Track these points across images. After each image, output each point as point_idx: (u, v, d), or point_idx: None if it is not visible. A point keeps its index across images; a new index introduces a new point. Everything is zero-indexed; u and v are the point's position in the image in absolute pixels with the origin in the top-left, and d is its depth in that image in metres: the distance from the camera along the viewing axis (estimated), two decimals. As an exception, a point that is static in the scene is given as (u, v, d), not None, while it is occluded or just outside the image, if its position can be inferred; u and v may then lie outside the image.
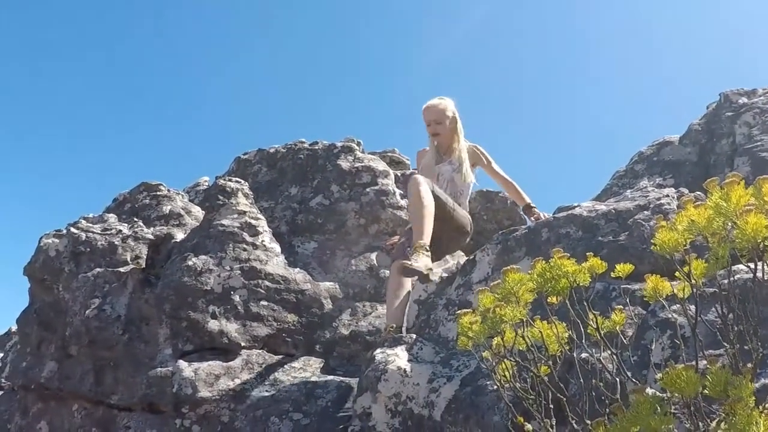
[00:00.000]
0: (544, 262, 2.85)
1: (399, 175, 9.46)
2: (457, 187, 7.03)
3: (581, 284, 2.80)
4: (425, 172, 7.09)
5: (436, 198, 6.27)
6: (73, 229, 8.20)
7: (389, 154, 10.15)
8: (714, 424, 2.43)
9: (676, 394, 2.44)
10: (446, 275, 6.24)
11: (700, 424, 2.49)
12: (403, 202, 8.66)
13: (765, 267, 2.46)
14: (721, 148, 7.90)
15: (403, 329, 6.01)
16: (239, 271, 7.10)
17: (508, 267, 2.87)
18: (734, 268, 3.76)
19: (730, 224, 2.42)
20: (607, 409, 2.65)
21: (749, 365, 2.54)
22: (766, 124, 7.66)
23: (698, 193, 3.31)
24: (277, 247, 7.64)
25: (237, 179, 8.17)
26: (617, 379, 2.96)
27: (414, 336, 5.59)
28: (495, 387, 4.29)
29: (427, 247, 5.95)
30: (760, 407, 2.22)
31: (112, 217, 8.58)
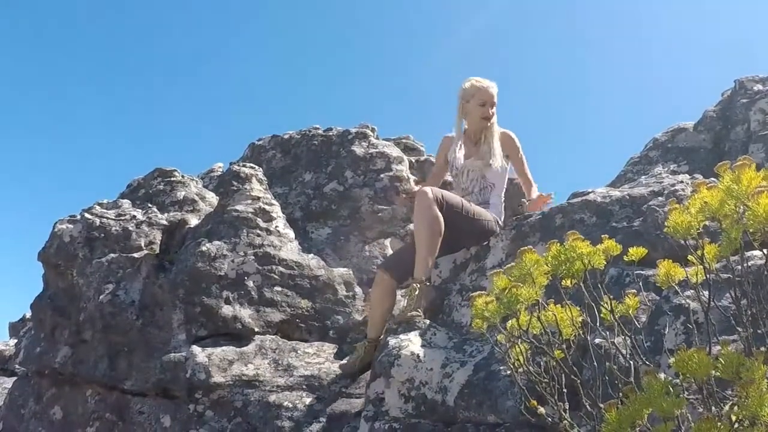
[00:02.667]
0: (559, 244, 2.85)
1: (413, 161, 9.45)
2: (488, 181, 6.67)
3: (596, 267, 2.79)
4: (443, 168, 7.02)
5: (450, 208, 6.09)
6: (87, 215, 8.21)
7: (404, 140, 10.11)
8: (727, 408, 2.43)
9: (689, 379, 2.44)
10: (460, 261, 6.24)
11: (714, 408, 2.49)
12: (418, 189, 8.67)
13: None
14: (735, 134, 7.89)
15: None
16: (253, 257, 7.11)
17: (525, 248, 2.87)
18: (748, 254, 3.76)
19: (741, 207, 2.41)
20: (620, 393, 2.65)
21: (762, 348, 2.53)
22: (782, 110, 7.64)
23: (712, 179, 3.31)
24: (291, 233, 7.64)
25: (251, 165, 8.17)
26: (631, 363, 2.96)
27: (427, 321, 5.60)
28: (508, 372, 4.30)
29: (428, 283, 5.93)
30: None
31: (126, 203, 8.58)
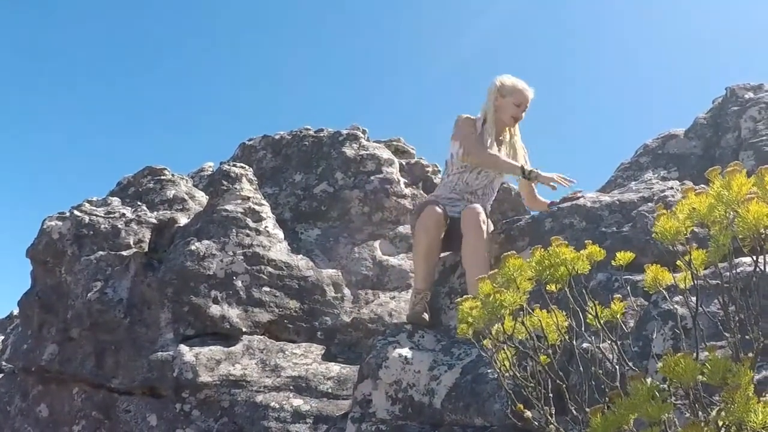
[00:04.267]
0: (543, 249, 2.84)
1: (404, 163, 9.45)
2: (493, 187, 6.53)
3: (581, 272, 2.78)
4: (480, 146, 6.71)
5: (453, 222, 5.95)
6: (76, 212, 8.20)
7: (394, 142, 10.10)
8: (714, 413, 2.43)
9: (676, 384, 2.44)
10: (449, 264, 6.24)
11: (700, 413, 2.48)
12: (408, 191, 8.65)
13: (766, 257, 2.45)
14: (726, 142, 7.88)
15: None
16: (242, 257, 7.11)
17: (508, 253, 2.86)
18: (736, 260, 3.75)
19: (731, 213, 2.41)
20: (606, 397, 2.64)
21: (750, 354, 2.53)
22: (772, 118, 7.64)
23: (702, 185, 3.31)
24: (281, 234, 7.65)
25: (242, 165, 8.18)
26: (617, 368, 2.96)
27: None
28: (495, 375, 4.30)
29: (423, 293, 5.83)
30: (760, 398, 2.22)
31: (115, 201, 8.58)
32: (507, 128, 6.52)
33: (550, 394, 2.97)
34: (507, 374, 3.06)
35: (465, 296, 2.95)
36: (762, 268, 2.55)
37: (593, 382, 3.05)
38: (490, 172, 6.38)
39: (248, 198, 7.64)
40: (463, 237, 5.73)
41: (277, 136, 9.87)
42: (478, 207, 5.83)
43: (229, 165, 8.03)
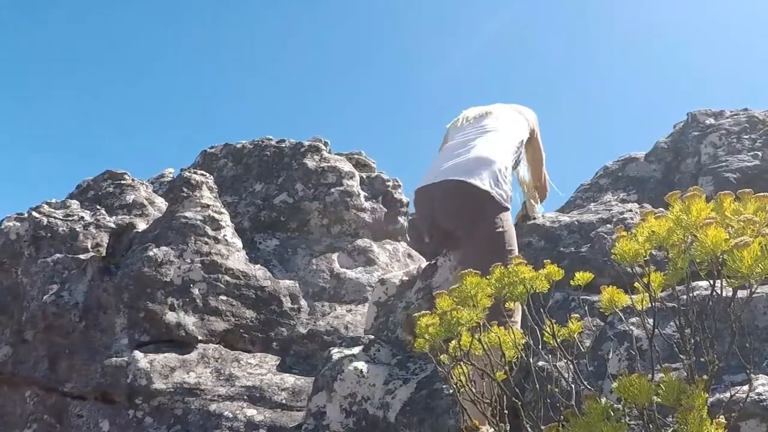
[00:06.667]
0: (502, 267, 2.85)
1: (364, 177, 9.45)
2: None
3: (539, 291, 2.80)
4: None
5: None
6: (35, 213, 8.15)
7: (356, 156, 10.10)
8: (668, 434, 2.44)
9: (631, 405, 2.45)
10: (407, 278, 6.23)
11: (654, 434, 2.50)
12: (367, 205, 8.67)
13: (723, 281, 2.48)
14: (686, 166, 7.94)
15: None
16: (200, 265, 7.08)
17: (467, 270, 2.87)
18: (694, 284, 3.79)
19: (690, 237, 2.43)
20: (561, 416, 2.65)
21: (704, 377, 2.55)
22: (732, 145, 7.70)
23: (661, 209, 3.33)
24: (239, 243, 7.62)
25: (202, 172, 8.15)
26: (572, 387, 2.97)
27: (372, 337, 5.60)
28: (451, 391, 4.31)
29: None
30: (713, 420, 2.24)
31: (74, 204, 8.54)
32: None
33: (506, 411, 2.98)
34: (462, 390, 3.06)
35: (422, 312, 2.96)
36: (718, 292, 2.57)
37: (549, 400, 3.06)
38: None
39: (208, 206, 7.62)
40: None
41: (238, 145, 9.86)
42: None
43: (189, 172, 8.00)
